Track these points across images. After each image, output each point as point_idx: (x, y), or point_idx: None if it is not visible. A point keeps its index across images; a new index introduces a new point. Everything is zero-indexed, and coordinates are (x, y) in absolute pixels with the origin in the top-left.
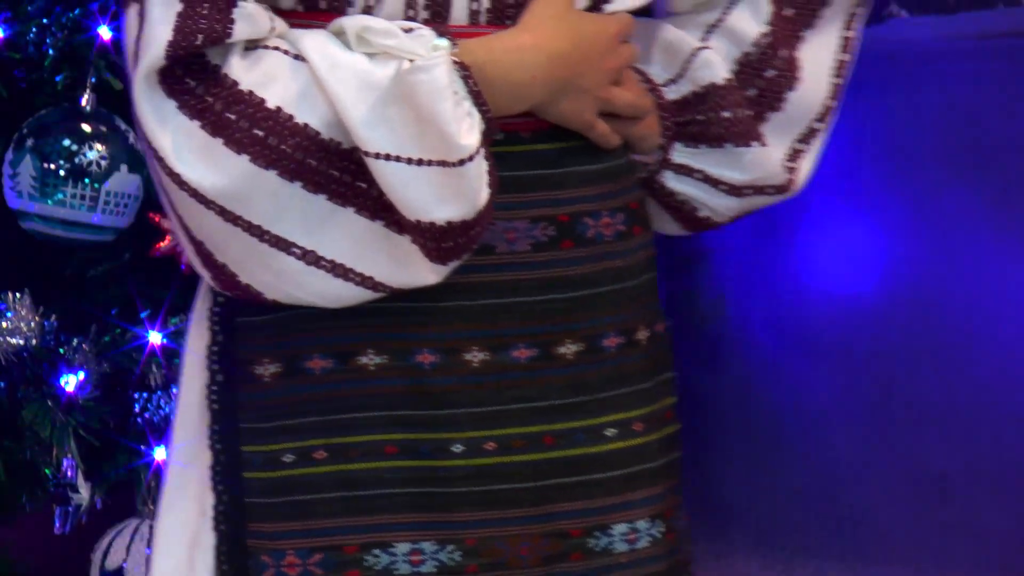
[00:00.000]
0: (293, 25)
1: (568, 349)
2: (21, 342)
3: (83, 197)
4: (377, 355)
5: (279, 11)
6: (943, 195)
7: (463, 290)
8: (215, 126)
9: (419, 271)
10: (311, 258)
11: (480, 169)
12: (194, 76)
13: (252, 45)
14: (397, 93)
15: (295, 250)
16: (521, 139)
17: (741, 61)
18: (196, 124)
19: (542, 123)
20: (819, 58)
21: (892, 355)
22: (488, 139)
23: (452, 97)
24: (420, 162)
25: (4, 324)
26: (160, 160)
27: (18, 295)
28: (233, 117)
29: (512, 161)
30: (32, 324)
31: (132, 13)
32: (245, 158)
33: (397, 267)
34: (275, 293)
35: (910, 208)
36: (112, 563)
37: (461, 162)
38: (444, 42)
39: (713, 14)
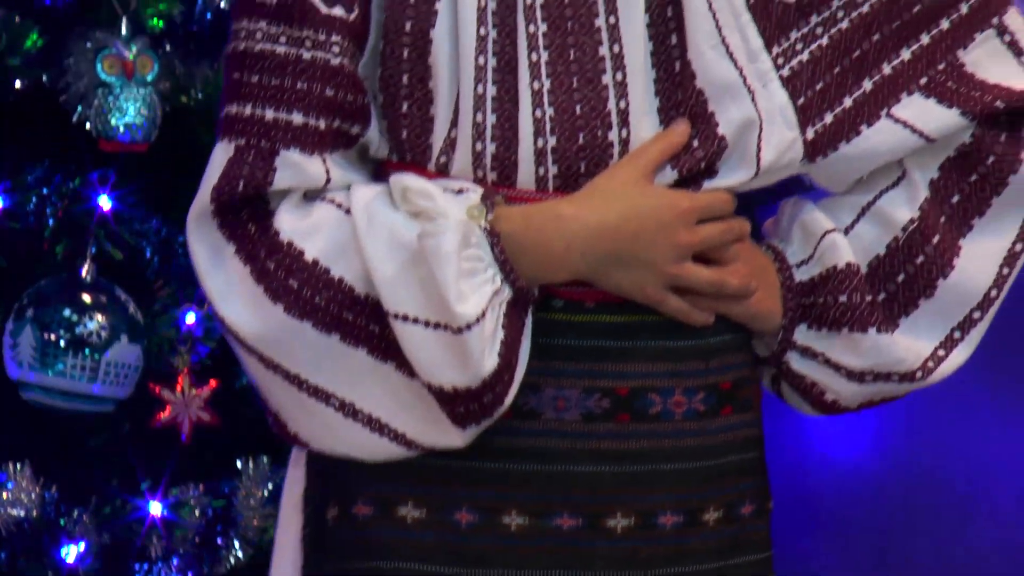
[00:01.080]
0: (386, 173)
1: (617, 523)
2: (22, 513)
3: (83, 368)
4: (415, 508)
5: (370, 159)
6: None
7: (506, 453)
8: (260, 273)
9: (447, 432)
10: (349, 411)
11: (482, 340)
12: (255, 221)
13: (314, 195)
14: (418, 254)
15: (334, 401)
16: (584, 308)
17: (891, 245)
18: (247, 269)
19: (607, 295)
20: (987, 246)
21: (888, 523)
22: (519, 307)
23: (457, 264)
24: (428, 324)
25: (5, 495)
26: (211, 303)
27: (19, 466)
28: (272, 266)
29: (570, 330)
30: (33, 495)
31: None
32: (280, 308)
33: (429, 426)
34: (319, 443)
35: None
36: None
37: (460, 330)
38: (479, 207)
39: (867, 196)
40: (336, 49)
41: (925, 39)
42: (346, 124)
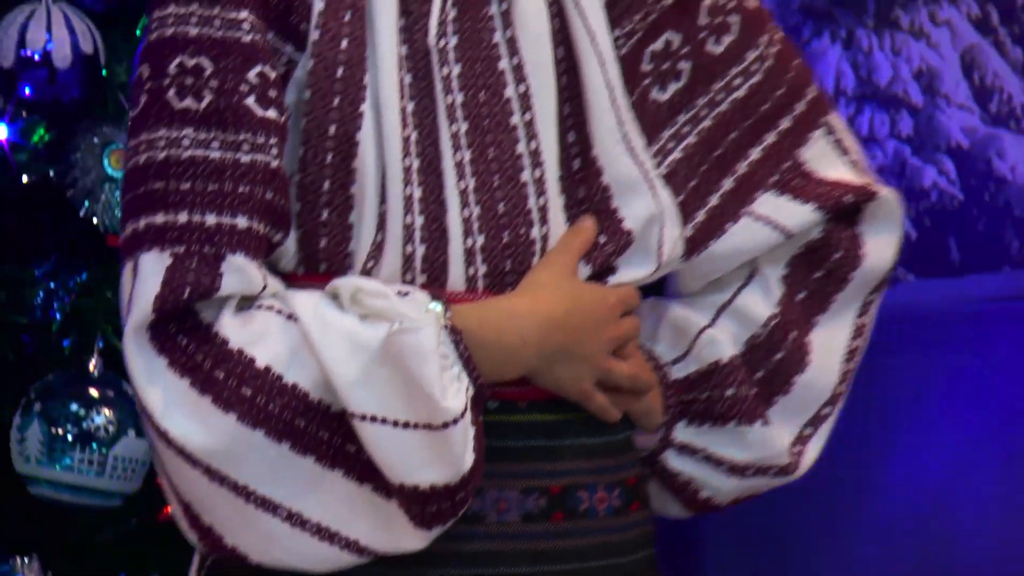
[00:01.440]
0: (291, 286)
1: None
2: None
3: (91, 462)
4: None
5: (278, 273)
6: (954, 455)
7: (452, 558)
8: (204, 384)
9: (404, 536)
10: (296, 520)
11: (465, 434)
12: (185, 333)
13: (246, 304)
14: (385, 354)
15: (281, 511)
16: (518, 409)
17: (749, 343)
18: (186, 382)
19: (540, 393)
20: (831, 343)
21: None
22: (479, 404)
23: (438, 360)
24: (405, 425)
25: None
26: (149, 417)
27: (26, 560)
28: (222, 375)
29: (507, 431)
30: None
31: (127, 270)
32: (232, 417)
33: (382, 532)
34: (260, 556)
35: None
36: None
37: (445, 425)
38: (436, 305)
39: (724, 295)
40: (274, 151)
41: (770, 138)
42: (274, 230)
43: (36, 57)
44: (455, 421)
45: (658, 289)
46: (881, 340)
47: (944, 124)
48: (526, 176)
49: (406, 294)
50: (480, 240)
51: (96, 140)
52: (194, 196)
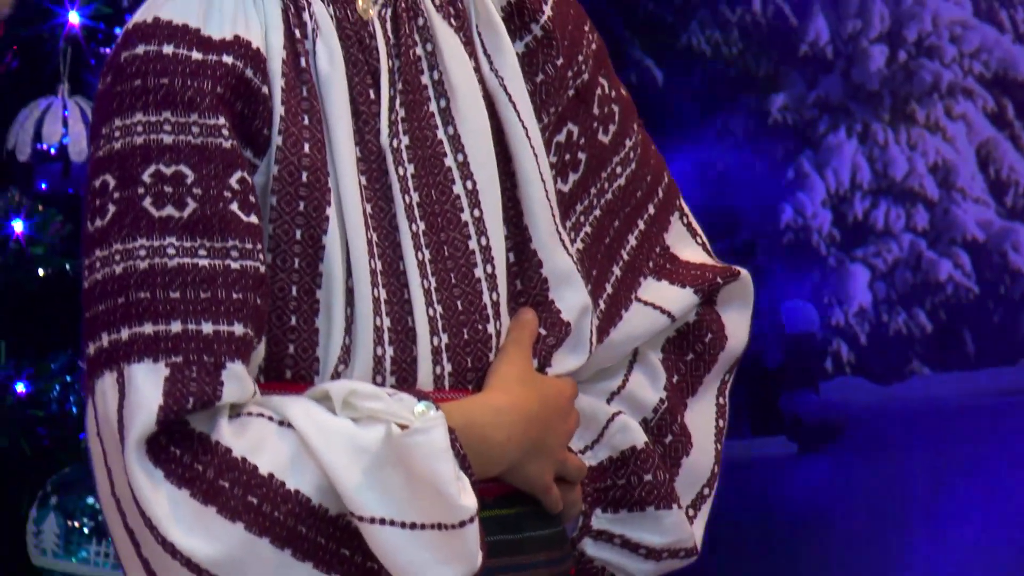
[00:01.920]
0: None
1: None
2: None
3: (107, 555)
4: None
5: None
6: (971, 549)
7: None
8: (207, 494)
9: None
10: None
11: (477, 530)
12: (179, 444)
13: (235, 412)
14: (391, 456)
15: None
16: (486, 504)
17: (642, 427)
18: (186, 493)
19: (504, 487)
20: (702, 424)
21: None
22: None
23: (452, 459)
24: (415, 526)
25: None
26: (152, 530)
27: None
28: (226, 484)
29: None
30: None
31: (107, 382)
32: (240, 526)
33: None
34: None
35: None
36: None
37: (462, 523)
38: (426, 405)
39: (614, 381)
40: (261, 256)
41: (641, 224)
42: (258, 336)
43: (52, 151)
44: (471, 519)
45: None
46: (897, 434)
47: (960, 217)
48: (479, 272)
49: (390, 395)
50: (444, 339)
51: None
52: (186, 304)
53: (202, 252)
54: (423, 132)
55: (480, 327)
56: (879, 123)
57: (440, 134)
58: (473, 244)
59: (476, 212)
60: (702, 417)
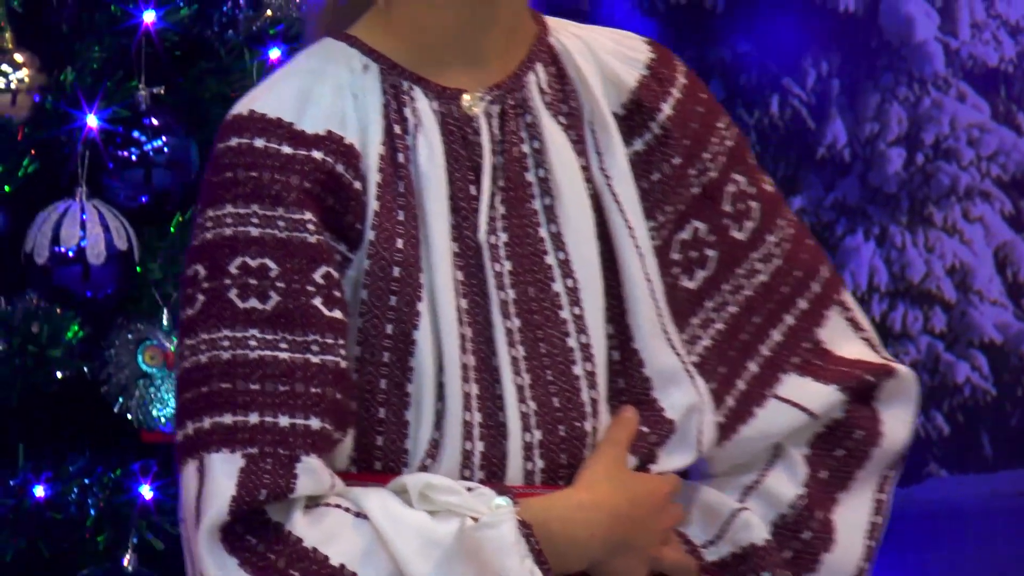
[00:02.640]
0: (346, 484)
1: None
2: None
3: None
4: None
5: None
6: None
7: None
8: None
9: None
10: None
11: None
12: (254, 533)
13: (313, 502)
14: (461, 550)
15: None
16: None
17: (777, 523)
18: None
19: None
20: (853, 520)
21: None
22: None
23: (518, 554)
24: None
25: None
26: None
27: None
28: (296, 574)
29: None
30: None
31: (190, 470)
32: None
33: None
34: None
35: None
36: None
37: None
38: (505, 500)
39: (750, 476)
40: (343, 352)
41: (790, 319)
42: (339, 430)
43: (70, 254)
44: None
45: (683, 470)
46: (915, 535)
47: (977, 320)
48: (578, 370)
49: (470, 490)
50: (538, 435)
51: (130, 336)
52: (265, 397)
53: (283, 345)
54: (524, 229)
55: (577, 424)
56: (897, 226)
57: (542, 232)
58: (572, 342)
59: (576, 310)
60: (854, 513)
